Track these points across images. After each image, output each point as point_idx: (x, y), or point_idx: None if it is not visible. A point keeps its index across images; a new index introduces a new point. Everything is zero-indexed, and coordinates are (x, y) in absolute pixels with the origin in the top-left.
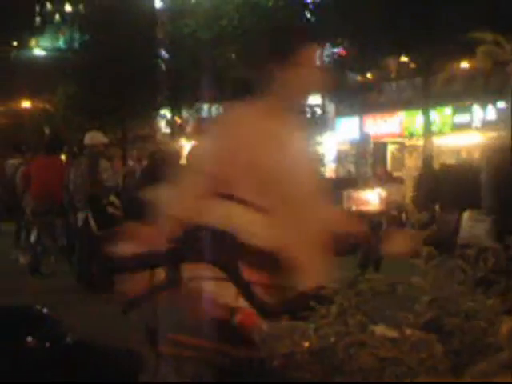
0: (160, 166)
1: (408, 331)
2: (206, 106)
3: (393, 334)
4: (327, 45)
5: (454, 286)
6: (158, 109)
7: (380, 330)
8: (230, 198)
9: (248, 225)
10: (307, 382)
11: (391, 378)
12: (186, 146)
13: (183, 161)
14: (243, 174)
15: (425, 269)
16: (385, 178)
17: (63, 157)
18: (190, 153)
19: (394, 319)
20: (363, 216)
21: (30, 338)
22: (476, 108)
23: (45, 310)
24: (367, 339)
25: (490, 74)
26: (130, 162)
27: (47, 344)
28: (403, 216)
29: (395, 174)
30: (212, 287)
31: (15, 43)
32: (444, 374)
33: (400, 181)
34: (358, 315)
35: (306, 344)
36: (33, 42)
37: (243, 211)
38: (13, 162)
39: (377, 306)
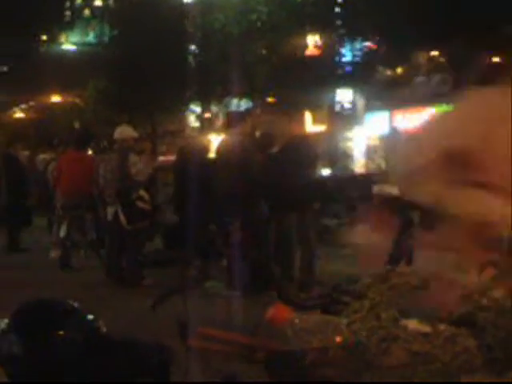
0: (189, 161)
1: (441, 326)
2: (235, 101)
3: (426, 328)
4: (358, 39)
5: (488, 280)
6: (187, 103)
7: (413, 324)
8: (483, 185)
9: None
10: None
11: (424, 373)
12: (215, 140)
13: (212, 155)
14: (500, 159)
15: (458, 263)
16: None
17: (92, 151)
18: (218, 147)
19: (427, 314)
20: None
21: (61, 332)
22: None
23: (76, 304)
24: (400, 334)
25: None
26: (160, 157)
27: (78, 337)
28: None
29: None
30: None
31: (45, 38)
32: (477, 370)
33: None
34: (391, 310)
35: (339, 339)
36: (63, 37)
37: (503, 202)
38: (44, 156)
39: (410, 301)
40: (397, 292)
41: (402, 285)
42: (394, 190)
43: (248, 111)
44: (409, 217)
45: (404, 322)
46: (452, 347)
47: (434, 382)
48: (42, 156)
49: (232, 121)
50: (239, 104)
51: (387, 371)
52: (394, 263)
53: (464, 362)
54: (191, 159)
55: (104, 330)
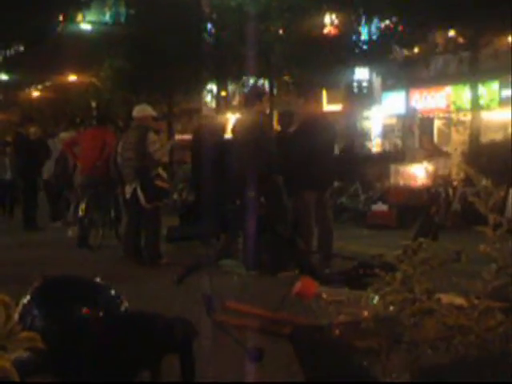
0: (206, 140)
1: (475, 299)
2: (251, 80)
3: (460, 301)
4: (375, 18)
5: None
6: (204, 83)
7: (447, 297)
8: None
9: None
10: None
11: (459, 346)
12: (231, 119)
13: (228, 134)
14: None
15: (492, 237)
16: (432, 152)
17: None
18: (234, 126)
19: (461, 287)
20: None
21: (83, 307)
22: None
23: (97, 280)
24: (434, 307)
25: None
26: (177, 136)
27: (101, 313)
28: (450, 190)
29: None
30: None
31: (62, 18)
32: None
33: (448, 155)
34: (425, 282)
35: (370, 312)
36: (79, 17)
37: None
38: (64, 135)
39: (443, 274)
40: (429, 265)
41: (434, 258)
42: (410, 169)
43: (263, 90)
44: (437, 191)
45: (438, 295)
46: (487, 320)
47: (468, 354)
48: (62, 134)
49: (248, 100)
50: (256, 83)
51: (421, 345)
52: (423, 237)
53: (499, 336)
54: (208, 138)
55: (126, 305)
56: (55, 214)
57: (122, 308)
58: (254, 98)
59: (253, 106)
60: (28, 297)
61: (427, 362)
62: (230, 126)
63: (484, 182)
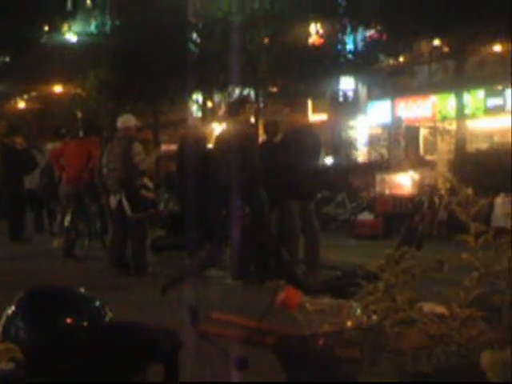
0: (190, 150)
1: (457, 308)
2: (237, 90)
3: (442, 310)
4: (360, 28)
5: (504, 262)
6: (189, 93)
7: (429, 306)
8: None
9: None
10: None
11: (441, 355)
12: (216, 129)
13: (212, 144)
14: None
15: (474, 245)
16: (418, 162)
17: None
18: (217, 136)
19: (444, 296)
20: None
21: (67, 318)
22: (509, 91)
23: (82, 290)
24: (416, 316)
25: None
26: (163, 146)
27: (85, 323)
28: (436, 200)
29: (428, 157)
30: None
31: (47, 28)
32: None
33: (433, 164)
34: (406, 291)
35: (353, 321)
36: (65, 27)
37: None
38: (52, 145)
39: (424, 283)
40: (411, 274)
41: (416, 267)
42: (395, 179)
43: (247, 99)
44: (420, 200)
45: (420, 304)
46: (468, 329)
47: (449, 364)
48: (49, 145)
49: (231, 109)
50: (242, 93)
51: (403, 354)
52: (406, 246)
53: (480, 344)
54: (193, 148)
55: (111, 315)
56: (39, 225)
57: (106, 318)
58: (237, 107)
59: (237, 115)
60: (12, 308)
61: (409, 370)
62: (214, 136)
63: (467, 190)
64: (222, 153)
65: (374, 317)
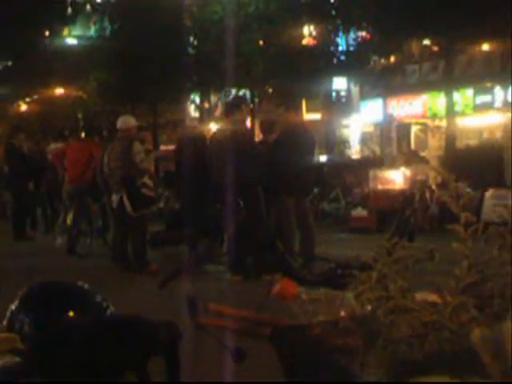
0: (188, 149)
1: (448, 296)
2: (233, 91)
3: (434, 298)
4: (352, 29)
5: (494, 251)
6: (187, 94)
7: (421, 295)
8: None
9: None
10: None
11: (433, 342)
12: (213, 129)
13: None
14: None
15: (464, 235)
16: (410, 157)
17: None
18: (213, 136)
19: (435, 284)
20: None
21: (70, 312)
22: (497, 89)
23: (84, 285)
24: (409, 304)
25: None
26: (162, 147)
27: (87, 318)
28: (427, 194)
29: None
30: None
31: (48, 33)
32: None
33: (427, 160)
34: (399, 281)
35: (347, 310)
36: (65, 32)
37: None
38: (55, 146)
39: (417, 272)
40: (403, 264)
41: (408, 257)
42: (388, 174)
43: (244, 99)
44: (412, 193)
45: (412, 292)
46: (460, 316)
47: (442, 351)
48: (53, 146)
49: (228, 109)
50: (238, 94)
51: (396, 342)
52: (398, 238)
53: (471, 330)
54: (191, 147)
55: (112, 310)
56: (34, 223)
57: (108, 312)
58: (233, 107)
59: (233, 115)
60: (16, 303)
61: (402, 357)
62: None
63: (458, 184)
64: (217, 150)
65: (368, 306)
